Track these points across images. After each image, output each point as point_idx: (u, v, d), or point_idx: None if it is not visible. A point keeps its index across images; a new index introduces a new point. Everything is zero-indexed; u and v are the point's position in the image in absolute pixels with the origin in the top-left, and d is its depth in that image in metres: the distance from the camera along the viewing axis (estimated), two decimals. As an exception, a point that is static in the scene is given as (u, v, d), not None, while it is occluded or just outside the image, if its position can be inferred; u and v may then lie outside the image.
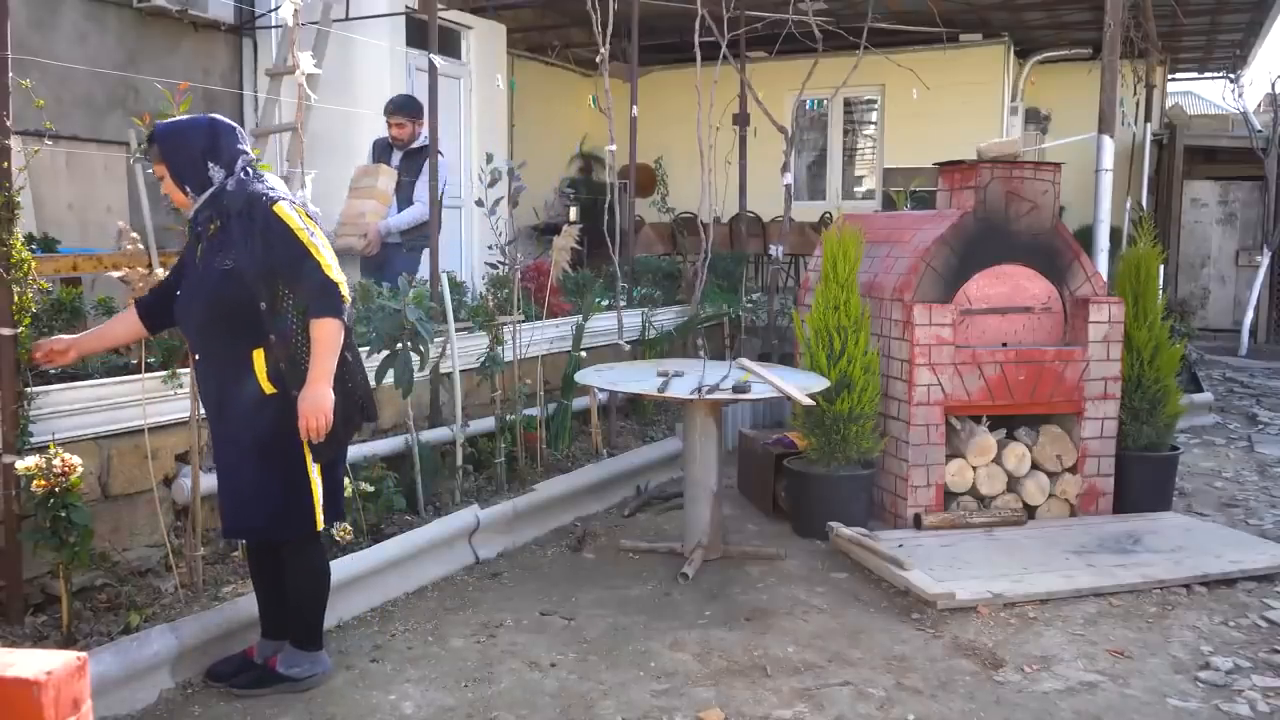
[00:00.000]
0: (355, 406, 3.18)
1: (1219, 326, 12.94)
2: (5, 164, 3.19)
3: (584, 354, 5.75)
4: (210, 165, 3.02)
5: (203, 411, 3.29)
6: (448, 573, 4.28)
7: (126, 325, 3.32)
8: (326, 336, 2.98)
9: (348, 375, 3.14)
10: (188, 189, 3.03)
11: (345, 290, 3.02)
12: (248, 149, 3.12)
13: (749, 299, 8.27)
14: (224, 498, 3.17)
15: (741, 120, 8.23)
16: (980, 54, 10.81)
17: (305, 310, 3.00)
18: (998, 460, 5.00)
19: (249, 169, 3.09)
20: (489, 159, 5.24)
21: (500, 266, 5.44)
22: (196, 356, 3.14)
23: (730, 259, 8.45)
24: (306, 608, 3.25)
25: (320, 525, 3.14)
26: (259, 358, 3.01)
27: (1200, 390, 8.34)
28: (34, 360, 3.29)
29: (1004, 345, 5.06)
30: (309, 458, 3.07)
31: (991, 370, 4.93)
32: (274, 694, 3.18)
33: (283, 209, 2.99)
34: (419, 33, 7.40)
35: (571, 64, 11.81)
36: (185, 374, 3.78)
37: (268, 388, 3.01)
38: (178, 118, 3.16)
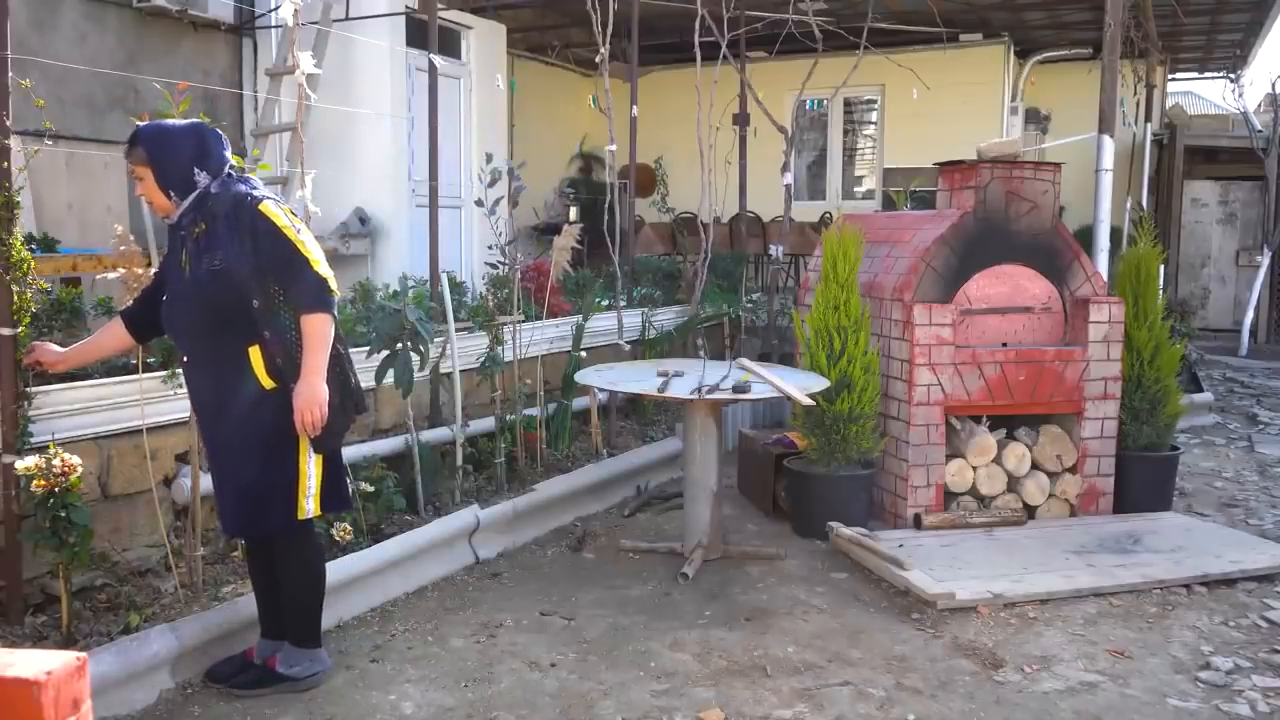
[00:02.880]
0: (349, 397, 3.20)
1: (1219, 326, 12.94)
2: (5, 164, 3.19)
3: (584, 354, 5.75)
4: (197, 171, 3.02)
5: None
6: (448, 573, 4.28)
7: (113, 337, 3.30)
8: (319, 331, 3.00)
9: (341, 367, 3.17)
10: (172, 194, 3.02)
11: (334, 284, 3.05)
12: (230, 157, 3.14)
13: (749, 299, 8.27)
14: (226, 498, 3.15)
15: (741, 120, 8.23)
16: (980, 54, 10.81)
17: (296, 306, 3.02)
18: (998, 460, 5.00)
19: (232, 172, 3.11)
20: (489, 159, 5.24)
21: (500, 266, 5.44)
22: (186, 359, 3.13)
23: (730, 259, 8.45)
24: (302, 603, 3.25)
25: (313, 514, 3.13)
26: (255, 355, 3.02)
27: (1200, 390, 8.34)
28: (27, 363, 3.29)
29: (1004, 345, 5.06)
30: (303, 450, 3.08)
31: (991, 370, 4.93)
32: (274, 694, 3.18)
33: (269, 207, 3.01)
34: (419, 33, 7.39)
35: (571, 64, 11.81)
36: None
37: (267, 383, 3.03)
38: (163, 122, 3.11)
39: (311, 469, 3.11)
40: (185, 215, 3.03)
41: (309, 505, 3.11)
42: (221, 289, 2.97)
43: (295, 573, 3.22)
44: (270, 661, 3.24)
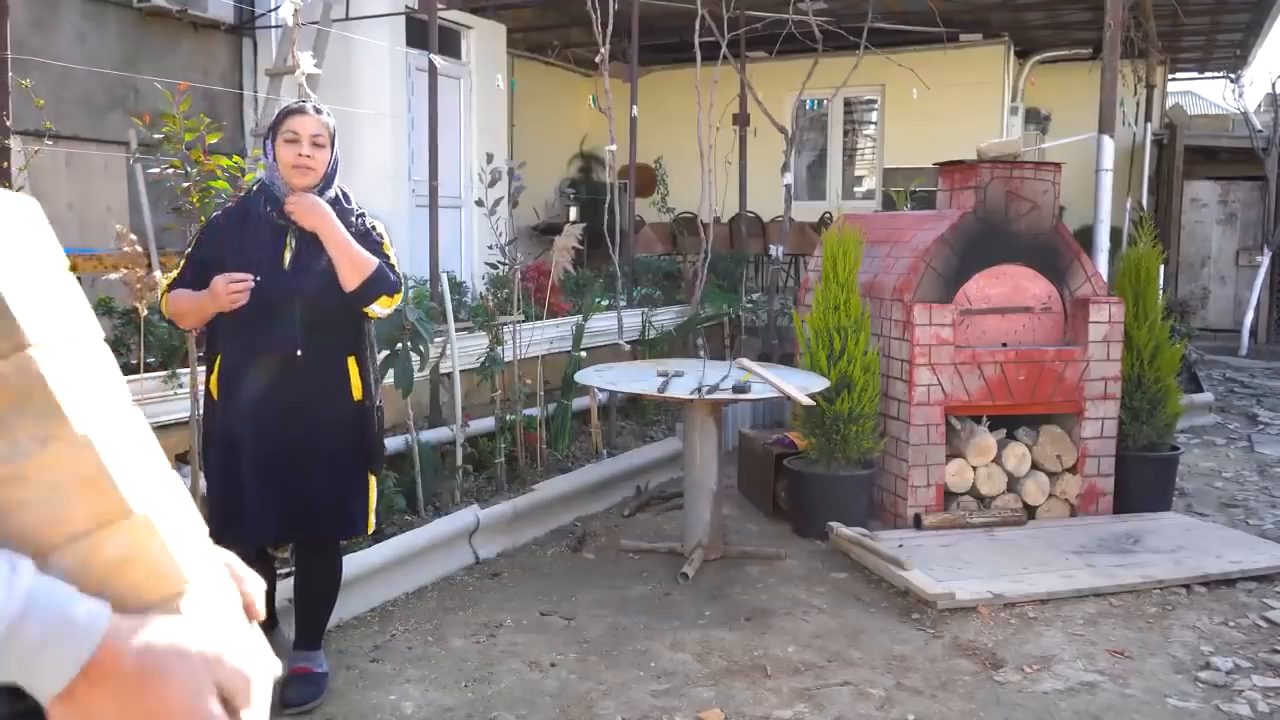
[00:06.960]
0: (383, 420, 3.28)
1: (1219, 326, 12.93)
2: (5, 164, 3.19)
3: (584, 354, 5.75)
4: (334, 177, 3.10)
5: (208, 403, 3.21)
6: (448, 573, 4.28)
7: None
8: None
9: (380, 390, 3.24)
10: (321, 185, 3.04)
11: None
12: None
13: (749, 299, 8.28)
14: (272, 503, 3.00)
15: (741, 120, 8.24)
16: (980, 54, 10.81)
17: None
18: (998, 460, 5.00)
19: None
20: (489, 159, 5.24)
21: (500, 266, 5.44)
22: (299, 353, 2.97)
23: (730, 259, 8.45)
24: (327, 608, 3.30)
25: (372, 528, 3.24)
26: (353, 364, 3.09)
27: (1200, 390, 8.33)
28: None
29: (1004, 345, 5.06)
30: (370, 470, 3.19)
31: (991, 370, 4.93)
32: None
33: (383, 230, 3.14)
34: (419, 33, 7.39)
35: (571, 64, 11.81)
36: (185, 374, 3.78)
37: (357, 394, 3.09)
38: None
39: (374, 484, 3.21)
40: None
41: (373, 520, 3.22)
42: (342, 295, 2.98)
43: (331, 581, 3.26)
44: (304, 669, 3.18)
